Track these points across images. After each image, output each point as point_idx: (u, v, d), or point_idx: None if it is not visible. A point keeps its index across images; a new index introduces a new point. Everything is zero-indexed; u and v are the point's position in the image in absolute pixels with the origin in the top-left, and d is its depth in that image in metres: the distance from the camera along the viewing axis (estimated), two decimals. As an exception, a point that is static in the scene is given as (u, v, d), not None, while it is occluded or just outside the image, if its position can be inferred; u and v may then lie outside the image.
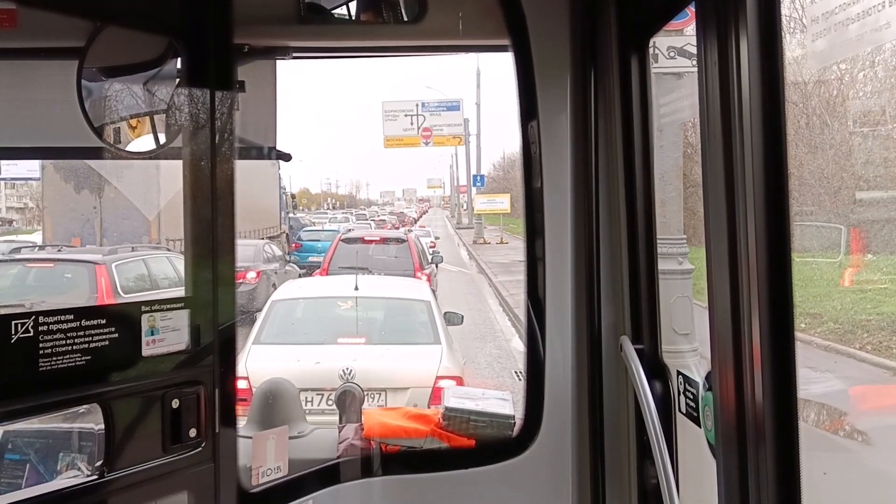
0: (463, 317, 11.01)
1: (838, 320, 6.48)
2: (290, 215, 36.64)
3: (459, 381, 7.98)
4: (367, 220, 50.20)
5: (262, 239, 24.69)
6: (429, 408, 6.94)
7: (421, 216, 71.55)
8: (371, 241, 17.83)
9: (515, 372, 12.15)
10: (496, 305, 19.16)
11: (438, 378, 7.86)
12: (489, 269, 25.41)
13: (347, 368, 7.54)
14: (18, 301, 11.57)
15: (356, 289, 9.15)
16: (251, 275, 16.15)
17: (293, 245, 27.03)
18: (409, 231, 25.11)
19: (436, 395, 7.64)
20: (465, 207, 55.92)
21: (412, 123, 38.81)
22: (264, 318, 9.14)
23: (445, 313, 10.13)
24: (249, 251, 17.12)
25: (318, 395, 7.61)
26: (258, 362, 7.95)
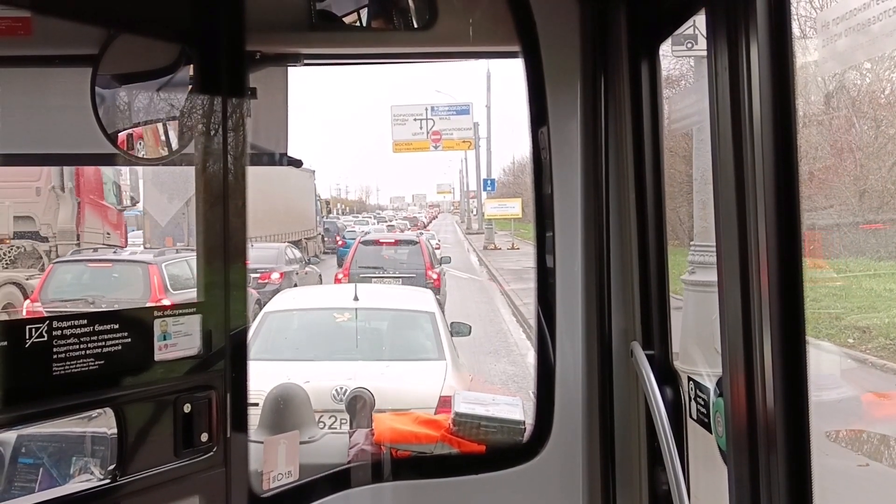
0: (471, 327, 10.45)
1: (889, 336, 6.02)
2: (325, 219, 42.35)
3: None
4: (386, 221, 52.56)
5: (299, 239, 29.18)
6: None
7: (431, 221, 71.81)
8: (387, 243, 19.79)
9: (532, 392, 11.72)
10: (509, 316, 18.90)
11: (442, 399, 7.22)
12: (501, 277, 25.22)
13: (341, 388, 6.95)
14: (81, 296, 13.15)
15: (356, 299, 8.52)
16: (275, 275, 18.14)
17: (341, 242, 31.92)
18: (421, 234, 25.92)
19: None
20: (475, 212, 55.82)
21: (421, 127, 38.79)
22: (255, 331, 8.40)
23: (452, 324, 9.61)
24: (272, 253, 19.44)
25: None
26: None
